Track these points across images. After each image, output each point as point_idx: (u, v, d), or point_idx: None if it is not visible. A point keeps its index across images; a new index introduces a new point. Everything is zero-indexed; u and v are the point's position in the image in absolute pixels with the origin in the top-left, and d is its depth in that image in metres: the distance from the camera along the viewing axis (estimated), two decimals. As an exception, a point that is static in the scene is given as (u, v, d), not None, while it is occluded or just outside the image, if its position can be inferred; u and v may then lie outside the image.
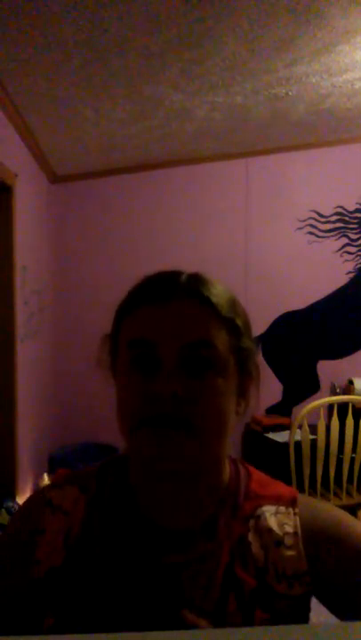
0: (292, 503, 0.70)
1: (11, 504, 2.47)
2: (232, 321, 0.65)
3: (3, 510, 2.41)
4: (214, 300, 0.64)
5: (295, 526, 0.68)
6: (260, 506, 0.70)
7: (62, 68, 2.21)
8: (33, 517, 0.72)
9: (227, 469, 0.72)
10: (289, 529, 0.68)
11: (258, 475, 0.75)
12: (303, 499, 0.72)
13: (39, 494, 0.75)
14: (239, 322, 0.66)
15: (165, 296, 0.64)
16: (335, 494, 3.08)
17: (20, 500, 2.67)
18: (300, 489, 3.11)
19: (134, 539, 0.67)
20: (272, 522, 0.68)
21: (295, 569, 0.66)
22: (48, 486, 0.76)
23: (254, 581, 0.65)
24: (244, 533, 0.67)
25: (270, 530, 0.68)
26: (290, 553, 0.66)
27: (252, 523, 0.68)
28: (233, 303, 0.67)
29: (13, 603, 0.68)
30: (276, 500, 0.71)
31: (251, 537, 0.67)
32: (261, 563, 0.66)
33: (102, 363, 0.71)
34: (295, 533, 0.68)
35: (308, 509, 0.70)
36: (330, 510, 0.71)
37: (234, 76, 2.46)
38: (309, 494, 3.07)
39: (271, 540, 0.67)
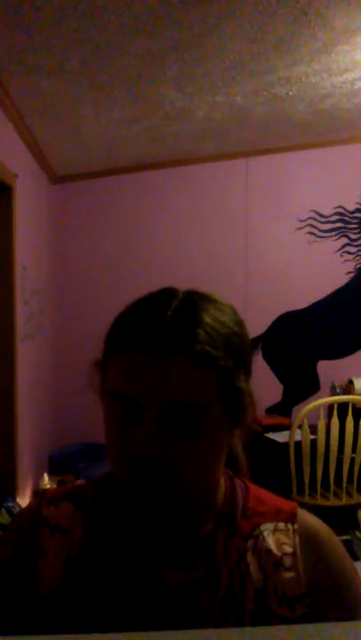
0: (291, 518, 0.70)
1: (11, 504, 2.47)
2: (224, 368, 0.60)
3: (3, 510, 2.41)
4: (204, 348, 0.58)
5: (294, 545, 0.68)
6: (259, 525, 0.69)
7: (62, 68, 2.21)
8: (31, 538, 0.70)
9: (222, 488, 0.71)
10: (288, 549, 0.67)
11: (255, 490, 0.73)
12: (303, 515, 0.71)
13: (33, 512, 0.72)
14: (231, 364, 0.61)
15: (150, 345, 0.58)
16: (335, 494, 3.08)
17: (21, 499, 2.67)
18: (301, 489, 3.11)
19: (134, 558, 0.66)
20: (271, 541, 0.68)
21: (295, 591, 0.65)
22: (42, 502, 0.73)
23: (253, 605, 0.64)
24: (242, 555, 0.67)
25: (269, 550, 0.67)
26: (289, 574, 0.66)
27: (250, 543, 0.67)
28: (227, 338, 0.61)
29: (16, 626, 0.67)
30: (275, 515, 0.70)
31: (249, 558, 0.67)
32: (260, 585, 0.65)
33: (93, 386, 0.69)
34: (294, 554, 0.67)
35: (306, 531, 0.69)
36: (329, 543, 0.70)
37: (234, 76, 2.46)
38: (309, 494, 3.07)
39: (270, 562, 0.67)
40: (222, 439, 0.64)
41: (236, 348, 0.62)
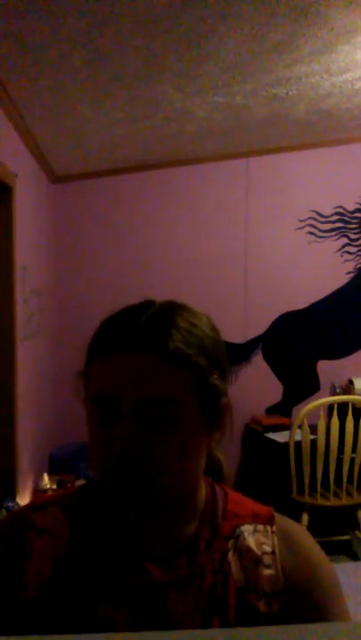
0: (269, 521, 0.73)
1: (11, 504, 2.47)
2: (197, 365, 0.65)
3: (3, 510, 2.41)
4: (177, 346, 0.63)
5: (273, 546, 0.70)
6: (239, 525, 0.72)
7: (62, 68, 2.21)
8: (16, 541, 0.71)
9: (203, 492, 0.73)
10: (267, 548, 0.70)
11: (234, 494, 0.76)
12: (280, 519, 0.74)
13: (20, 517, 0.74)
14: (204, 363, 0.65)
15: (127, 345, 0.64)
16: (335, 494, 3.08)
17: (20, 499, 2.67)
18: (300, 489, 3.11)
19: (120, 559, 0.68)
20: (251, 541, 0.70)
21: (273, 587, 0.68)
22: (29, 508, 0.75)
23: (235, 601, 0.66)
24: (224, 554, 0.69)
25: (249, 549, 0.70)
26: (268, 572, 0.69)
27: (231, 543, 0.70)
28: (200, 340, 0.66)
29: (3, 629, 0.68)
30: (254, 518, 0.73)
31: (231, 557, 0.69)
32: (242, 583, 0.68)
33: (78, 396, 0.73)
34: (273, 553, 0.70)
35: (284, 533, 0.72)
36: (306, 544, 0.73)
37: (234, 76, 2.46)
38: (309, 494, 3.08)
39: (251, 559, 0.69)
40: (199, 437, 0.67)
41: (209, 348, 0.67)
